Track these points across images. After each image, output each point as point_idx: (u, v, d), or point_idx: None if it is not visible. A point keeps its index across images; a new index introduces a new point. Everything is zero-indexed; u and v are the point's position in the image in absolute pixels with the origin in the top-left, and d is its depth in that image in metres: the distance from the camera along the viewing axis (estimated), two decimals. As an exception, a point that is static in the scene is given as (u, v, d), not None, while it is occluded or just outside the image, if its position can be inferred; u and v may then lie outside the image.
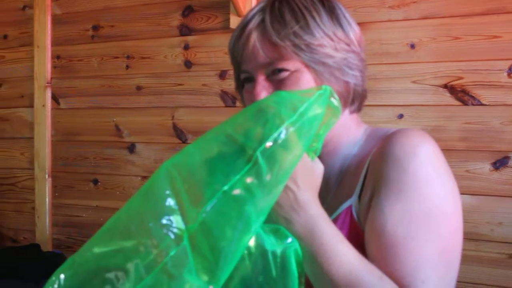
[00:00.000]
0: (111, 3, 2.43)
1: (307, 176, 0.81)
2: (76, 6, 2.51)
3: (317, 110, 0.78)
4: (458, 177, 1.80)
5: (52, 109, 2.58)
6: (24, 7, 2.65)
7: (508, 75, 1.74)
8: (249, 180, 0.69)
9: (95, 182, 2.48)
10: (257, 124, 0.74)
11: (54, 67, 2.57)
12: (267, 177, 0.70)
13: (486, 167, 1.78)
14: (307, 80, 0.90)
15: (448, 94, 1.81)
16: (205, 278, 0.67)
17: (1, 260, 2.30)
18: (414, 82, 1.86)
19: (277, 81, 0.91)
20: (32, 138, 2.62)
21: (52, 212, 2.60)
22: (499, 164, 1.76)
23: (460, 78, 1.80)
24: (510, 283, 1.73)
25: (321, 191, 0.90)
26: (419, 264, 0.80)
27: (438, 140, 1.79)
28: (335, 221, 0.91)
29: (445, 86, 1.82)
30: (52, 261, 2.36)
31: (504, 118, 1.76)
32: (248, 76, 0.95)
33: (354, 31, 0.95)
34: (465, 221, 1.77)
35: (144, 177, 2.36)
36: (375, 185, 0.86)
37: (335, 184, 0.98)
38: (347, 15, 0.95)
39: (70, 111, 2.55)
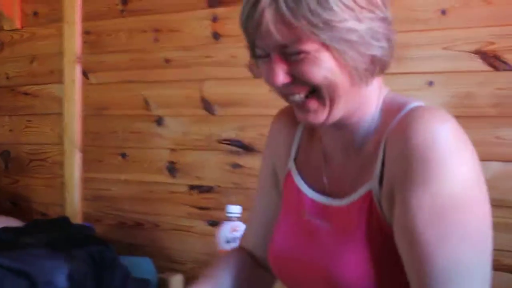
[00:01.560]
0: (139, -22, 2.45)
1: None
2: (105, -18, 2.54)
3: None
4: (488, 144, 1.80)
5: (82, 84, 2.61)
6: (53, -16, 2.68)
7: (542, 39, 1.72)
8: None
9: (124, 155, 2.51)
10: None
11: (84, 42, 2.60)
12: None
13: (518, 133, 1.76)
14: (326, 60, 0.84)
15: (480, 60, 1.79)
16: None
17: (32, 231, 2.34)
18: (444, 48, 1.84)
19: (294, 62, 0.86)
20: (61, 113, 2.66)
21: (82, 186, 2.63)
22: (531, 129, 1.74)
23: (492, 43, 1.77)
24: (542, 248, 1.72)
25: (344, 157, 0.95)
26: (458, 268, 0.77)
27: (469, 106, 1.80)
28: (353, 204, 0.89)
29: (476, 52, 1.80)
30: (82, 233, 2.40)
31: (537, 83, 1.73)
32: (263, 53, 0.89)
33: None
34: (495, 188, 1.77)
35: (172, 150, 2.38)
36: (396, 178, 0.83)
37: (356, 158, 0.95)
38: None
39: (99, 86, 2.57)
